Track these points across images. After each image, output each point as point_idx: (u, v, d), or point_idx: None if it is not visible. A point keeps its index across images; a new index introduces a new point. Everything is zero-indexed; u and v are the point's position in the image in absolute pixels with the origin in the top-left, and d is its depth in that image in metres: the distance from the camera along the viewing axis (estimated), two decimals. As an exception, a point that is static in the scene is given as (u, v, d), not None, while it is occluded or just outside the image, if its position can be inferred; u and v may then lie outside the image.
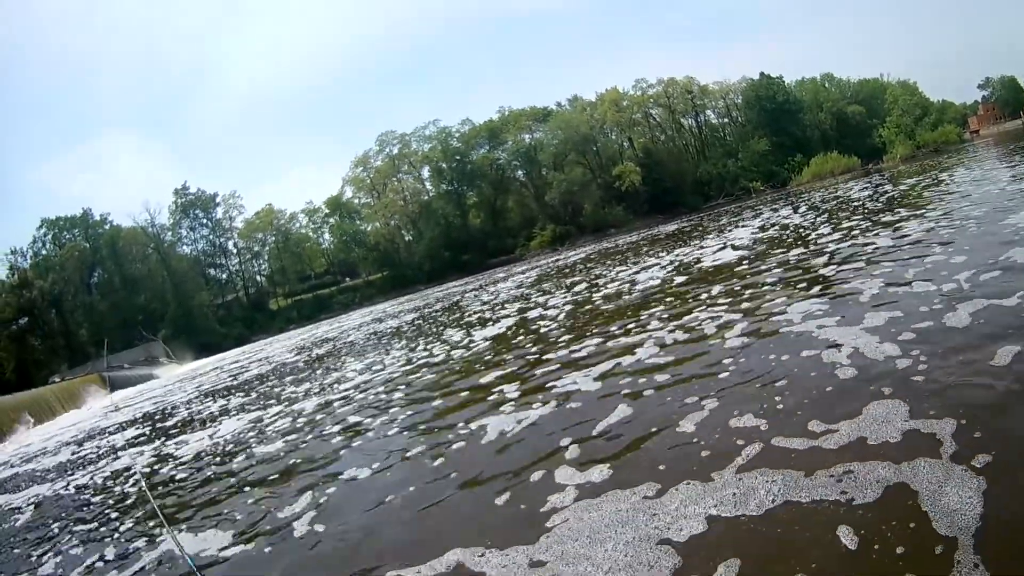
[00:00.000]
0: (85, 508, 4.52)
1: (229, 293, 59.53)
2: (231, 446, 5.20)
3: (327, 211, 63.48)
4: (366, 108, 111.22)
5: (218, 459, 4.86)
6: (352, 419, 4.74)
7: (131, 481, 4.89)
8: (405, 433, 3.86)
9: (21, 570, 3.43)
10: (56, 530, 4.10)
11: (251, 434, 5.43)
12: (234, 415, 7.04)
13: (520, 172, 58.48)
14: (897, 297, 3.64)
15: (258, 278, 62.76)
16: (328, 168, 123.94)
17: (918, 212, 7.97)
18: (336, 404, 5.69)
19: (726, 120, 60.35)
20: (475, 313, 11.38)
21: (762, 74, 57.12)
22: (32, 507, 5.14)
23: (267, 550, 2.63)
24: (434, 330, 10.54)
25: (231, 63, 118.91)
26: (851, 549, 1.50)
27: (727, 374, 3.08)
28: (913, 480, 1.68)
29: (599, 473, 2.33)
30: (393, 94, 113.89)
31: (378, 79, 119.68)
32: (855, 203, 12.97)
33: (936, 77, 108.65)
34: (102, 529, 3.73)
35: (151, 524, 3.45)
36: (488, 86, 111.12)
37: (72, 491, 5.35)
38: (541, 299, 10.30)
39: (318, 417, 5.28)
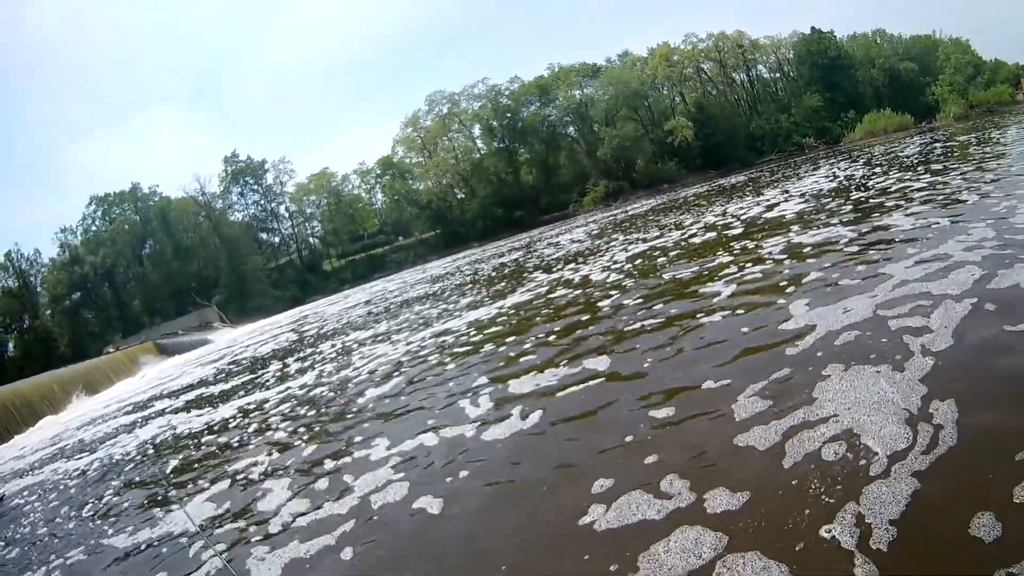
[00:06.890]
0: (124, 479, 5.10)
1: (282, 256, 59.88)
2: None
3: (379, 171, 64.81)
4: (417, 69, 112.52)
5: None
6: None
7: (161, 450, 5.65)
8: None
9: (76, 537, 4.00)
10: (96, 501, 4.69)
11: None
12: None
13: (571, 128, 59.70)
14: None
15: (311, 240, 63.22)
16: (380, 130, 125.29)
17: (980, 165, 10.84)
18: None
19: (778, 75, 60.33)
20: (613, 243, 14.58)
21: (813, 28, 56.66)
22: (83, 475, 5.84)
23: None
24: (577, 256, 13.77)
25: (279, 34, 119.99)
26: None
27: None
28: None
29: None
30: (443, 55, 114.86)
31: (427, 40, 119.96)
32: (920, 159, 15.61)
33: (988, 35, 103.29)
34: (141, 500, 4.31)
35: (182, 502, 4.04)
36: (536, 44, 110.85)
37: (112, 461, 5.98)
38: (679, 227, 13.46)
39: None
